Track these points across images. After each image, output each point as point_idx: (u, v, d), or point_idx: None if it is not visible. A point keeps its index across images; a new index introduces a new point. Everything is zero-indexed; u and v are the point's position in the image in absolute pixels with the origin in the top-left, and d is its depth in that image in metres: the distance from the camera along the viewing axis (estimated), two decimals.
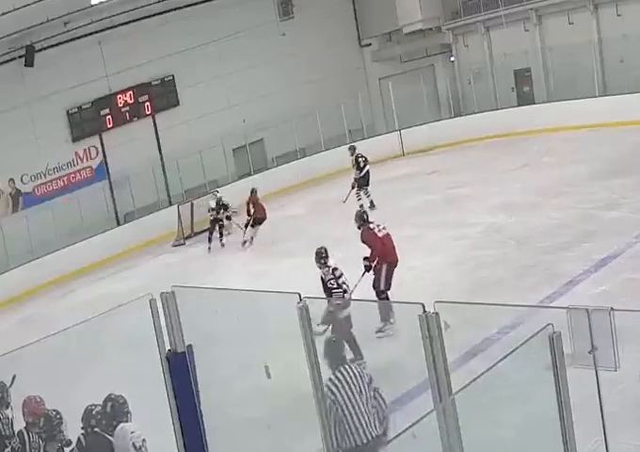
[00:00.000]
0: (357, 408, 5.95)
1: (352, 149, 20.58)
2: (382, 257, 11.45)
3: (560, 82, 25.20)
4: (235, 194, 22.29)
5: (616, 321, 4.67)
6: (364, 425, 5.94)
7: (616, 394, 6.11)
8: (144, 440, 5.86)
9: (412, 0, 27.40)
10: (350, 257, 16.18)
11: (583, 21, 24.79)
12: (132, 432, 5.86)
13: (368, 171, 20.01)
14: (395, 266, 11.45)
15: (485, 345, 9.40)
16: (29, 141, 23.07)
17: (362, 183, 19.97)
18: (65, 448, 6.21)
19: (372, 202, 19.59)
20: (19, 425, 6.52)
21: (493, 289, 12.32)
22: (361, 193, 19.93)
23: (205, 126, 25.67)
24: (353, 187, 20.06)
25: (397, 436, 3.57)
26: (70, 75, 23.47)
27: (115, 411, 5.94)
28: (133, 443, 5.83)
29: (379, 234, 11.66)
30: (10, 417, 6.53)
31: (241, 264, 18.34)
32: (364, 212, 12.80)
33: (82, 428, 6.04)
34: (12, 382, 6.62)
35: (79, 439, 6.06)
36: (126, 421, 5.94)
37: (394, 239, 12.56)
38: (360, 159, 20.03)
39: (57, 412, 6.25)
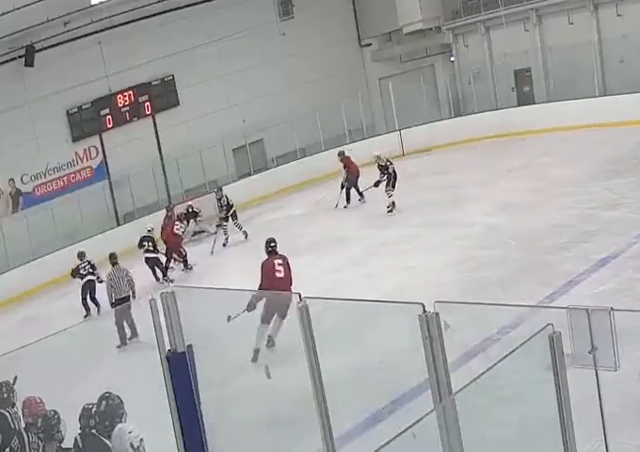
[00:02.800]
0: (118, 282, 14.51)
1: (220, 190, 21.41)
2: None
3: (560, 82, 25.19)
4: (235, 194, 22.30)
5: (615, 321, 4.66)
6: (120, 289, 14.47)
7: (616, 394, 6.11)
8: (142, 440, 5.85)
9: (412, 0, 27.41)
10: (350, 257, 16.25)
11: (583, 21, 24.79)
12: (129, 432, 5.85)
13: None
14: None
15: (485, 345, 9.39)
16: (29, 141, 23.07)
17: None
18: (59, 444, 6.20)
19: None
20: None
21: (493, 289, 12.31)
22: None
23: (205, 126, 25.67)
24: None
25: (397, 436, 3.56)
26: (70, 75, 23.47)
27: (109, 410, 5.92)
28: (130, 444, 5.82)
29: None
30: (20, 414, 6.55)
31: (241, 264, 18.32)
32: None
33: (80, 428, 6.02)
34: (14, 383, 6.63)
35: (76, 439, 6.04)
36: (120, 421, 5.91)
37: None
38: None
39: (55, 412, 6.24)
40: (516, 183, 18.95)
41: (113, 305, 14.73)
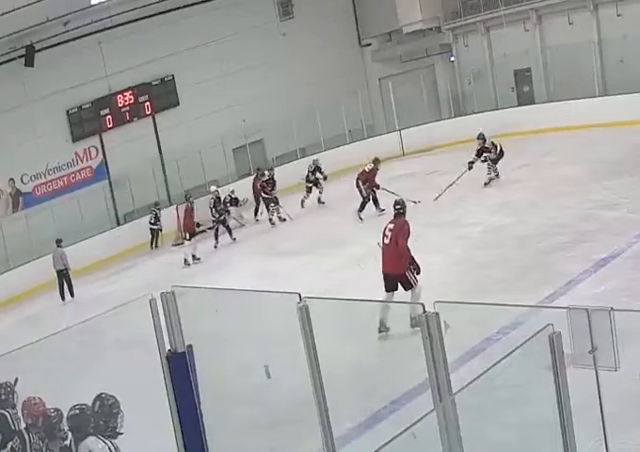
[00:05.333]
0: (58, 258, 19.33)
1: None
2: None
3: (560, 82, 25.20)
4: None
5: (616, 321, 4.66)
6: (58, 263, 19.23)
7: (616, 394, 6.10)
8: None
9: (412, 0, 27.42)
10: (350, 257, 16.24)
11: (583, 21, 24.80)
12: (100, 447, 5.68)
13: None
14: None
15: (485, 345, 9.39)
16: (29, 141, 23.08)
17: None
18: (62, 442, 6.16)
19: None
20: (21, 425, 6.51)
21: (493, 289, 12.30)
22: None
23: (205, 126, 25.68)
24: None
25: (397, 436, 3.56)
26: (70, 75, 23.48)
27: (105, 410, 5.86)
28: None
29: None
30: (20, 415, 6.53)
31: (241, 263, 18.34)
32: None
33: (68, 430, 5.94)
34: (15, 384, 6.62)
35: (70, 441, 5.98)
36: (115, 421, 5.83)
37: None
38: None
39: (56, 410, 6.20)
40: (516, 182, 18.95)
41: (57, 273, 19.53)
